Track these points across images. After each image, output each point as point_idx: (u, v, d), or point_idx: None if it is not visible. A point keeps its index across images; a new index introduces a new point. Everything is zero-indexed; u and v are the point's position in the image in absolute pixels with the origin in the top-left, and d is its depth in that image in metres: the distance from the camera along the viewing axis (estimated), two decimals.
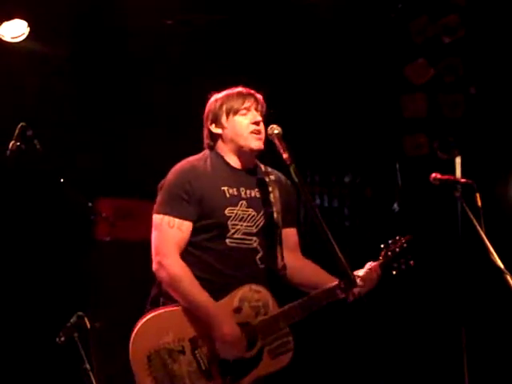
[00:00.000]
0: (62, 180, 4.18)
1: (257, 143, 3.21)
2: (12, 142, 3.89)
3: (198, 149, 3.40)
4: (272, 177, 3.31)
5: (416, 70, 5.61)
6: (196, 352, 3.05)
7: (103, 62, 5.59)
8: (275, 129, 3.11)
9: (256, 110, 3.25)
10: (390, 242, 3.37)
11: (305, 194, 3.06)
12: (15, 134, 3.90)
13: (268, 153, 3.27)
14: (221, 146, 3.27)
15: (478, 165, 5.17)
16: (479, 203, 3.36)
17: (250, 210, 3.20)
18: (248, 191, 3.23)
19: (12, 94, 5.27)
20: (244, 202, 3.20)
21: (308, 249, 5.59)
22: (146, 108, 5.67)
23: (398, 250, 3.33)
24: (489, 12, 5.42)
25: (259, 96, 3.31)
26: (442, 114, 5.62)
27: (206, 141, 3.34)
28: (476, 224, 3.30)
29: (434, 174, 3.55)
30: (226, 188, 3.19)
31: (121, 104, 5.67)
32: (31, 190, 5.44)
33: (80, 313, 3.94)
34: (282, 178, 3.36)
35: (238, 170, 3.26)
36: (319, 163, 6.02)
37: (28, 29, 5.17)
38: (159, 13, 5.39)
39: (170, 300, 3.13)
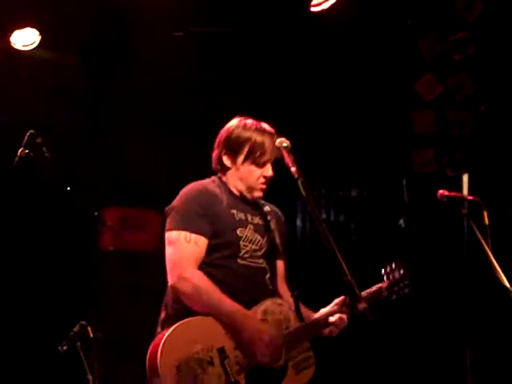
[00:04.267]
0: (68, 188, 4.18)
1: (259, 194, 3.31)
2: (21, 149, 3.90)
3: (203, 161, 3.40)
4: (267, 207, 3.39)
5: (425, 85, 5.61)
6: (225, 363, 3.04)
7: (113, 71, 5.62)
8: (284, 142, 3.11)
9: (271, 161, 3.27)
10: (388, 268, 3.44)
11: (312, 208, 3.06)
12: (24, 141, 3.91)
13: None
14: (227, 177, 3.32)
15: (485, 183, 5.15)
16: (486, 221, 3.35)
17: (256, 234, 3.27)
18: (252, 217, 3.31)
19: (22, 101, 5.29)
20: (251, 226, 3.27)
21: (311, 262, 5.59)
22: (154, 119, 5.69)
23: (397, 276, 3.41)
24: (498, 29, 5.42)
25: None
26: (450, 131, 5.61)
27: (216, 165, 3.36)
28: (483, 242, 3.29)
29: (441, 191, 3.55)
30: (235, 211, 3.26)
31: (129, 114, 5.69)
32: (37, 198, 5.45)
33: (83, 322, 3.93)
34: (275, 209, 3.46)
35: (240, 198, 3.31)
36: (326, 177, 6.01)
37: (39, 37, 5.21)
38: (170, 24, 5.42)
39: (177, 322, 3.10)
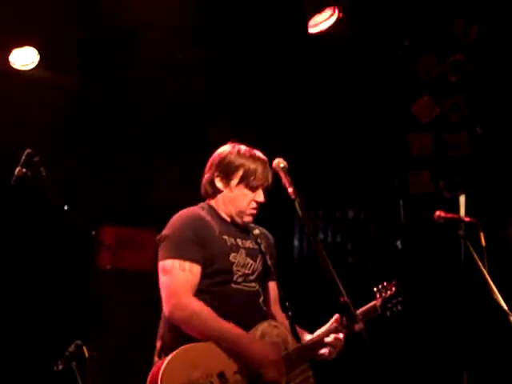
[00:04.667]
0: (66, 207, 4.19)
1: (249, 218, 3.33)
2: (18, 168, 3.92)
3: (201, 180, 3.41)
4: (257, 230, 3.41)
5: (422, 108, 5.64)
6: None
7: (112, 91, 5.64)
8: (281, 163, 3.11)
9: (264, 188, 3.30)
10: (380, 286, 3.48)
11: (309, 228, 3.06)
12: (21, 160, 3.92)
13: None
14: (217, 201, 3.34)
15: (482, 204, 5.16)
16: (483, 243, 3.35)
17: (248, 258, 3.28)
18: (243, 241, 3.32)
19: (20, 121, 5.31)
20: (243, 251, 3.28)
21: (308, 283, 5.58)
22: (151, 138, 5.71)
23: (389, 292, 3.44)
24: (495, 51, 5.46)
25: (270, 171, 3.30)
26: (447, 153, 5.63)
27: (206, 188, 3.36)
28: (479, 263, 3.29)
29: (438, 212, 3.56)
30: (226, 237, 3.27)
31: (126, 134, 5.71)
32: (35, 216, 5.45)
33: (78, 341, 3.92)
34: (265, 232, 3.48)
35: (231, 223, 3.33)
36: (323, 198, 6.02)
37: (38, 57, 5.23)
38: (169, 46, 5.45)
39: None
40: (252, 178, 3.27)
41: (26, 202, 5.22)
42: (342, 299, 2.72)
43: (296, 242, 6.03)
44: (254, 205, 3.30)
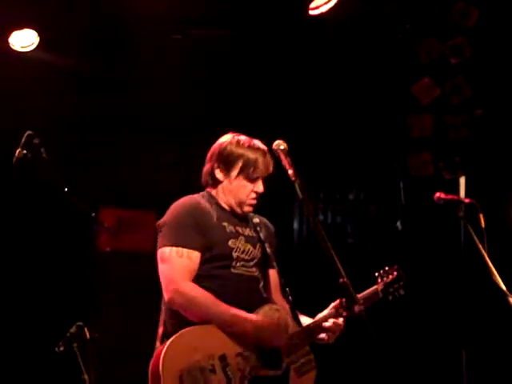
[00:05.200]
0: (65, 189, 4.19)
1: (249, 209, 3.34)
2: (18, 150, 3.91)
3: (201, 163, 3.41)
4: (257, 219, 3.43)
5: (422, 89, 5.62)
6: (227, 370, 3.05)
7: (110, 72, 5.62)
8: (281, 144, 3.11)
9: (263, 178, 3.31)
10: (381, 271, 3.47)
11: (308, 210, 3.07)
12: (22, 141, 3.92)
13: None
14: (217, 191, 3.35)
15: (482, 186, 5.16)
16: (483, 224, 3.36)
17: (248, 244, 3.30)
18: (243, 229, 3.34)
19: (19, 102, 5.30)
20: (242, 238, 3.30)
21: (307, 265, 5.59)
22: (153, 120, 5.70)
23: (390, 277, 3.44)
24: (496, 34, 5.44)
25: (271, 160, 3.31)
26: (447, 135, 5.63)
27: (206, 178, 3.38)
28: (479, 245, 3.30)
29: (438, 194, 3.56)
30: (226, 224, 3.29)
31: (125, 115, 5.70)
32: (35, 198, 5.45)
33: (80, 323, 3.93)
34: (265, 220, 3.49)
35: (230, 212, 3.34)
36: (324, 180, 6.02)
37: (38, 39, 5.21)
38: (169, 26, 5.42)
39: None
40: (252, 169, 3.27)
41: (26, 184, 5.22)
42: (341, 280, 2.73)
43: (296, 225, 6.03)
44: (253, 195, 3.31)
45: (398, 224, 5.80)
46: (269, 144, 3.23)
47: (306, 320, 3.33)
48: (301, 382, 3.18)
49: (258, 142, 3.36)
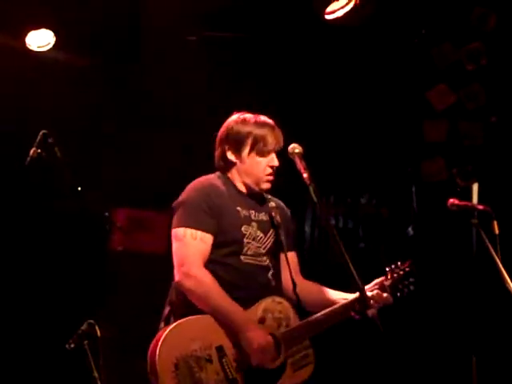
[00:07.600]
0: (79, 188, 4.21)
1: (267, 185, 3.31)
2: (33, 149, 3.94)
3: (213, 162, 3.41)
4: (272, 203, 3.40)
5: (438, 95, 5.61)
6: (223, 360, 3.05)
7: (126, 71, 5.64)
8: (296, 148, 3.11)
9: (276, 151, 3.29)
10: (393, 266, 3.41)
11: (323, 214, 3.07)
12: (36, 141, 3.94)
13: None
14: (232, 173, 3.33)
15: (495, 193, 5.14)
16: (496, 231, 3.35)
17: (259, 231, 3.28)
18: (257, 214, 3.32)
19: (35, 102, 5.32)
20: (255, 224, 3.28)
21: (319, 269, 5.58)
22: (167, 120, 5.71)
23: (402, 272, 3.38)
24: None
25: (280, 134, 3.31)
26: (461, 141, 5.61)
27: (219, 163, 3.37)
28: (492, 251, 3.29)
29: (451, 200, 3.55)
30: (239, 208, 3.27)
31: (142, 115, 5.71)
32: (48, 197, 5.47)
33: (91, 321, 3.95)
34: (281, 204, 3.47)
35: (246, 194, 3.33)
36: (336, 184, 6.02)
37: (54, 38, 5.24)
38: (184, 29, 5.44)
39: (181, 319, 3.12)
40: (262, 144, 3.25)
41: (40, 183, 5.24)
42: (354, 285, 2.73)
43: (307, 228, 6.03)
44: (269, 170, 3.27)
45: (410, 229, 5.78)
46: (284, 148, 3.23)
47: (332, 296, 3.33)
48: (295, 376, 3.16)
49: (264, 117, 3.33)
